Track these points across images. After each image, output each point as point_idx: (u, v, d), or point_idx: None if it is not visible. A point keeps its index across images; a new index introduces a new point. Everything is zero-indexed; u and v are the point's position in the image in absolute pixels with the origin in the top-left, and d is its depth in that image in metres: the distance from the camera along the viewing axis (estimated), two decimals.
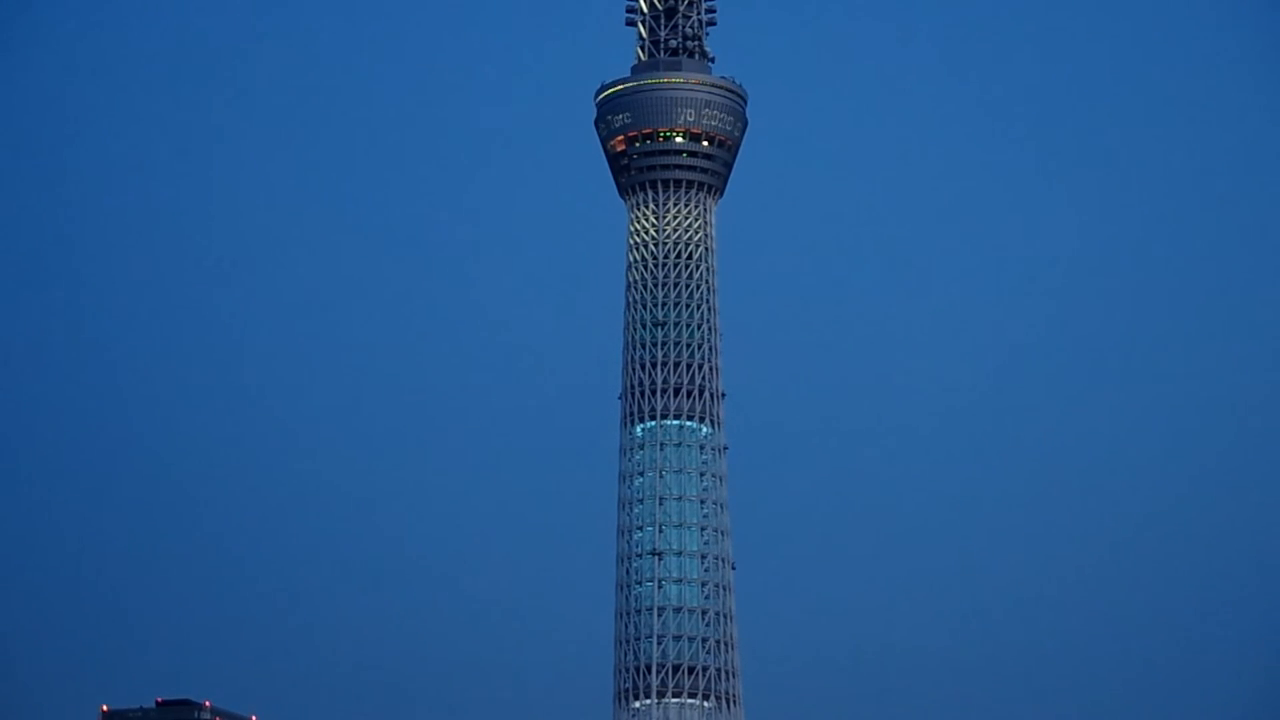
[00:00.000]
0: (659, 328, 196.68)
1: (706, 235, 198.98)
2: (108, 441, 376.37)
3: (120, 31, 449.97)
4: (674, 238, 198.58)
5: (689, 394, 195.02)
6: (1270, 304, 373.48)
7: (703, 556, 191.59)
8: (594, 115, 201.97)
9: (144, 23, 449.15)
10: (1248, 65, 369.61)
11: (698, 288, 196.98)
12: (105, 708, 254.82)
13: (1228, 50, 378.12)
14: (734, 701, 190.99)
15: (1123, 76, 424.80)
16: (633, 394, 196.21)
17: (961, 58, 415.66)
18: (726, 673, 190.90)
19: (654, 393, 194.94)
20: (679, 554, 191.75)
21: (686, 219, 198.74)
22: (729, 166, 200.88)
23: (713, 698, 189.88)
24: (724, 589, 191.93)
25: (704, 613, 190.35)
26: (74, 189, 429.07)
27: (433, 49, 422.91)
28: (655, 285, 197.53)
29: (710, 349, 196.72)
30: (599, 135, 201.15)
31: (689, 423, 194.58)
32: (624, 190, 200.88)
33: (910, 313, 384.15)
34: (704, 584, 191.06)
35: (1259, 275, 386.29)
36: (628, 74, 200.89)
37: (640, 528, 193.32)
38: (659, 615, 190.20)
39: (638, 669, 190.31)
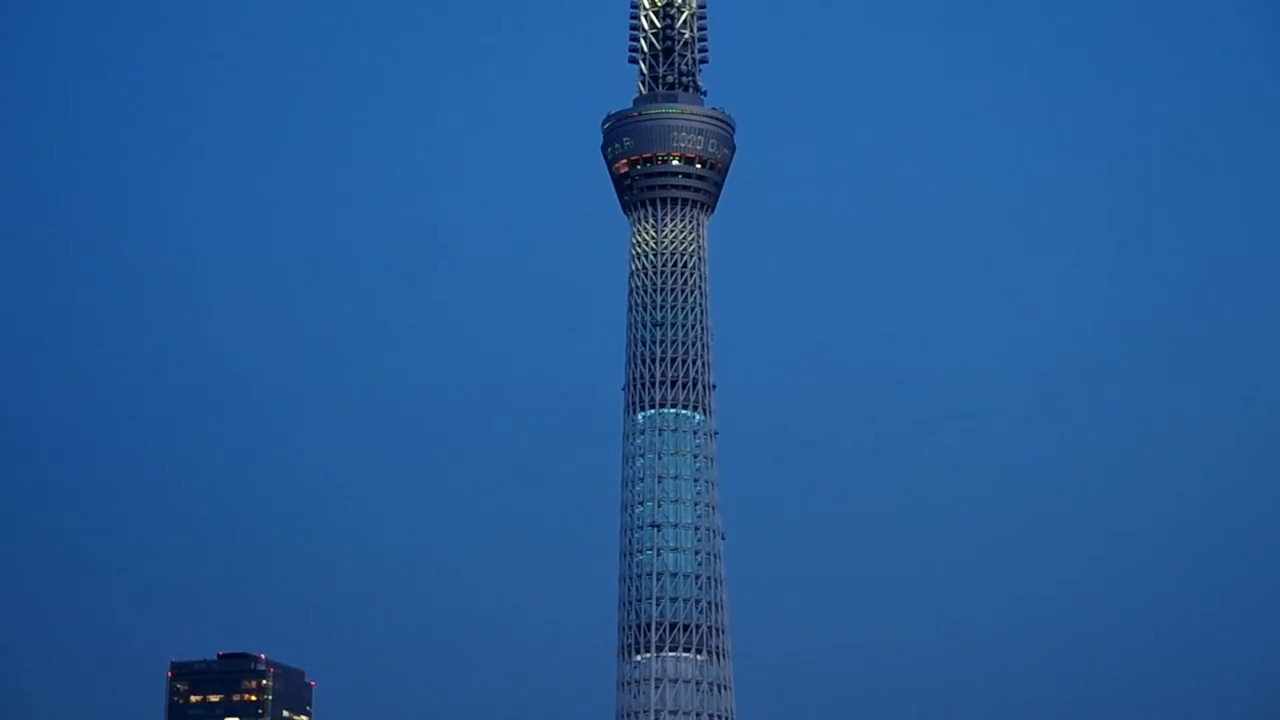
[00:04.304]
0: (657, 328, 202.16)
1: (699, 246, 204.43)
2: (186, 424, 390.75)
3: (114, 35, 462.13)
4: (671, 249, 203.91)
5: (684, 386, 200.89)
6: None
7: (696, 528, 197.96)
8: (601, 141, 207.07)
9: (142, 28, 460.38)
10: None
11: (691, 293, 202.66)
12: (174, 660, 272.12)
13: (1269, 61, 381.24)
14: (723, 655, 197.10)
15: (1120, 76, 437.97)
16: (635, 386, 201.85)
17: (931, 91, 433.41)
18: (716, 630, 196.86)
19: (653, 384, 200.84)
20: (675, 526, 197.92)
21: (682, 232, 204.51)
22: (719, 186, 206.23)
23: (705, 652, 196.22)
24: (714, 557, 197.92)
25: (697, 578, 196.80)
26: (72, 190, 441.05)
27: (454, 85, 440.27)
28: (654, 290, 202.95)
29: (702, 346, 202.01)
30: (605, 159, 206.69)
31: (684, 411, 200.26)
32: (627, 207, 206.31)
33: (879, 312, 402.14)
34: (697, 552, 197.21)
35: None
36: (631, 105, 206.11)
37: (641, 503, 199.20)
38: (657, 580, 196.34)
39: (639, 627, 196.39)
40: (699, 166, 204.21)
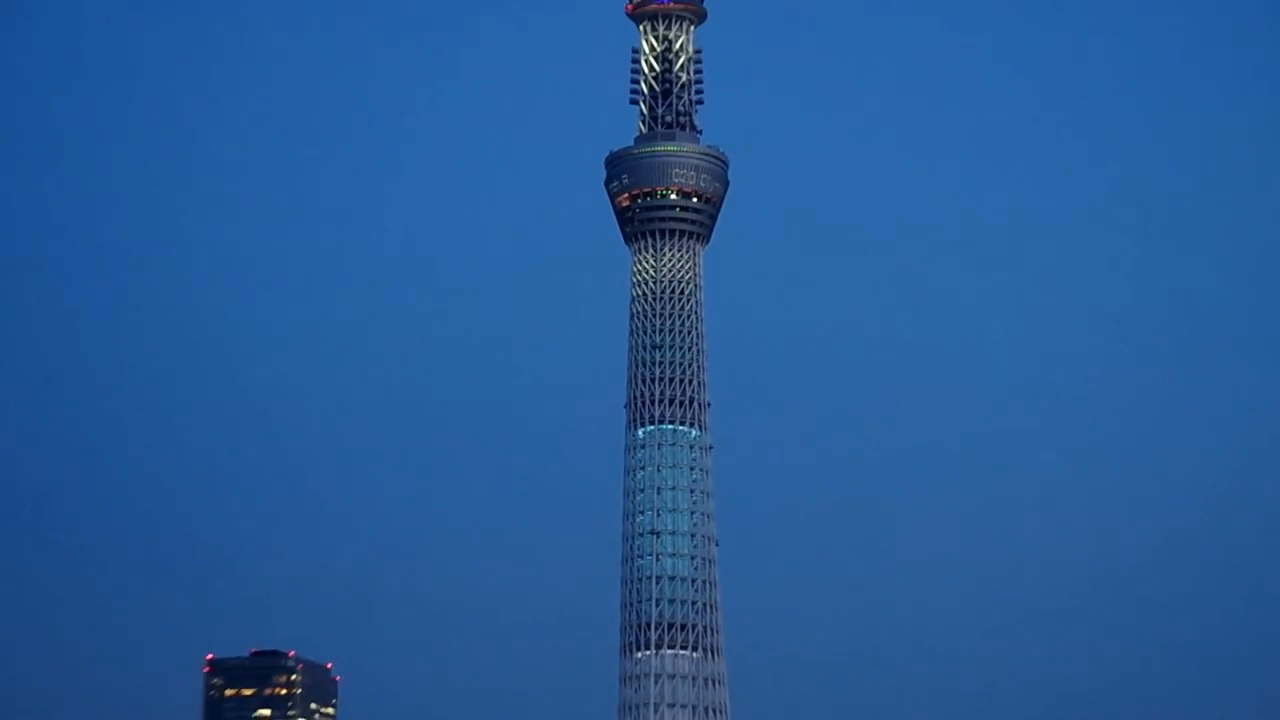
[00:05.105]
0: (657, 350, 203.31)
1: (695, 275, 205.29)
2: (223, 421, 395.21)
3: (108, 35, 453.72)
4: (669, 277, 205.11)
5: (681, 403, 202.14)
6: None
7: (692, 535, 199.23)
8: (604, 176, 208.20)
9: (140, 30, 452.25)
10: None
11: (688, 317, 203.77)
12: (210, 656, 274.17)
13: None
14: (717, 652, 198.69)
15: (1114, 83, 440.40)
16: (636, 403, 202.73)
17: (921, 122, 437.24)
18: (711, 629, 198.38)
19: (653, 402, 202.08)
20: (673, 533, 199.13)
21: (679, 262, 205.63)
22: (714, 219, 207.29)
23: (700, 649, 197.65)
24: (709, 562, 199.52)
25: (693, 581, 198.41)
26: (70, 191, 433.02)
27: (464, 123, 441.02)
28: (654, 315, 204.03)
29: (698, 367, 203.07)
30: (608, 193, 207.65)
31: (681, 427, 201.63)
32: (628, 238, 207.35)
33: (865, 332, 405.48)
34: (693, 558, 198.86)
35: None
36: (631, 143, 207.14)
37: (641, 512, 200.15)
38: (657, 583, 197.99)
39: (639, 626, 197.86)
40: (695, 200, 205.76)
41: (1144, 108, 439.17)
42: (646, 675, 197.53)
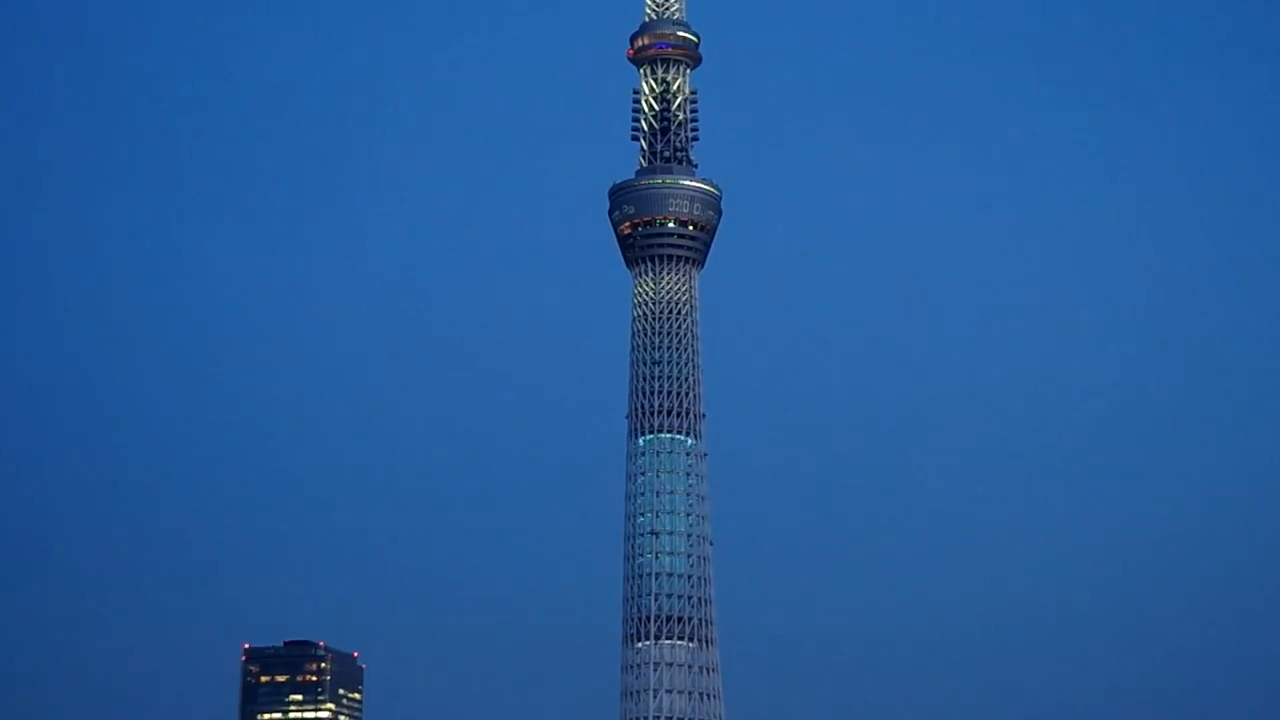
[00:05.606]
0: (656, 365, 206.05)
1: (691, 296, 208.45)
2: (257, 421, 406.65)
3: (102, 33, 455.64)
4: (667, 299, 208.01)
5: (678, 414, 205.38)
6: None
7: (688, 535, 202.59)
8: (608, 206, 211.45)
9: (133, 27, 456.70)
10: None
11: (684, 335, 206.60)
12: (246, 645, 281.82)
13: None
14: (711, 642, 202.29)
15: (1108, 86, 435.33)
16: (637, 414, 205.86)
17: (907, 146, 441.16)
18: (705, 621, 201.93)
19: (652, 413, 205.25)
20: (670, 534, 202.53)
21: (676, 285, 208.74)
22: (708, 245, 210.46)
23: (695, 640, 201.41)
24: (704, 560, 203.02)
25: (689, 577, 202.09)
26: (70, 193, 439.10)
27: (483, 161, 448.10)
28: (653, 334, 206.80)
29: (694, 381, 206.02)
30: (611, 222, 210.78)
31: (678, 436, 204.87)
32: (630, 263, 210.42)
33: (853, 347, 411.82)
34: (689, 556, 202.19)
35: None
36: (633, 176, 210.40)
37: (642, 514, 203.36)
38: (655, 579, 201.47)
39: (639, 619, 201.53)
40: (691, 228, 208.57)
41: (1146, 109, 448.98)
42: (646, 663, 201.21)
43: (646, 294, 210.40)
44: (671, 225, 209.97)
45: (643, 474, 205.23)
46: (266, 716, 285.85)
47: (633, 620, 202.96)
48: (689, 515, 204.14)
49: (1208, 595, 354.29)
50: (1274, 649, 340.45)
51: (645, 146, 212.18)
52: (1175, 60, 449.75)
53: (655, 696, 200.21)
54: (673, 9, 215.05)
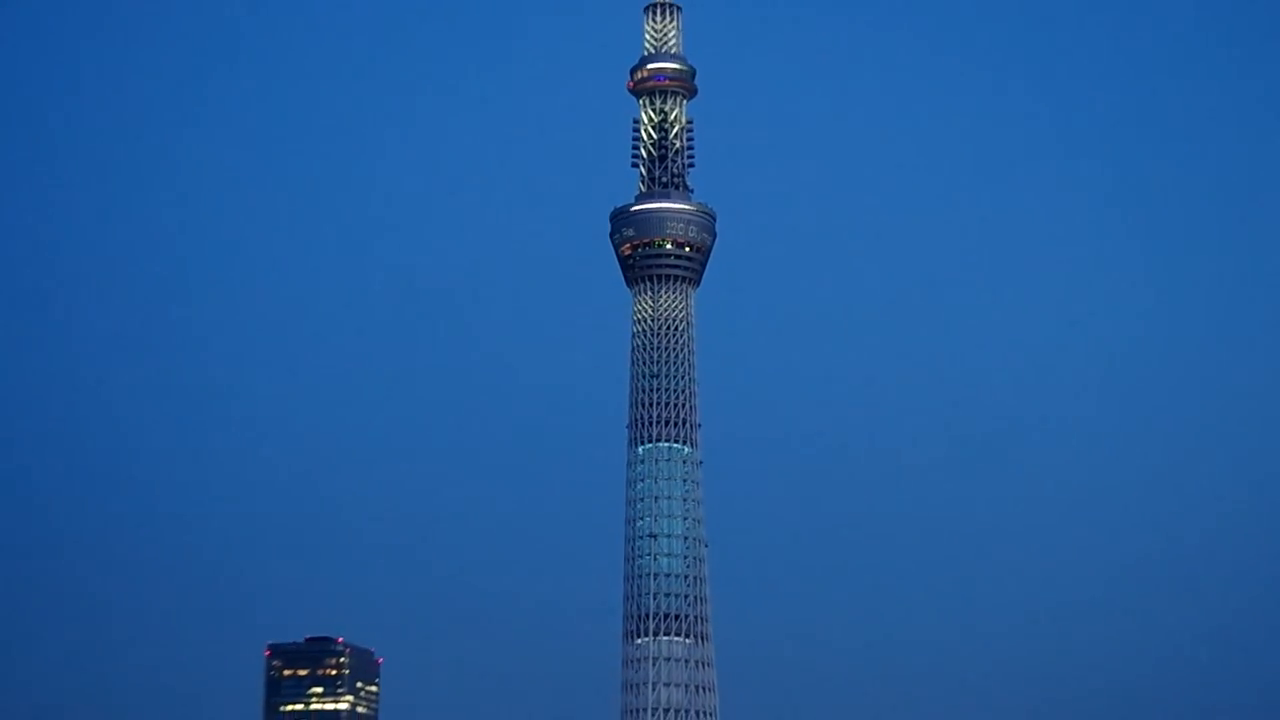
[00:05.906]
0: (654, 378, 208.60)
1: (688, 314, 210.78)
2: (280, 426, 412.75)
3: (103, 34, 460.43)
4: (665, 316, 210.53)
5: (675, 424, 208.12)
6: None
7: (685, 538, 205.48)
8: (609, 229, 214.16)
9: (138, 28, 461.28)
10: None
11: (681, 350, 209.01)
12: (270, 641, 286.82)
13: None
14: (706, 638, 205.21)
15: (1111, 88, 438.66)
16: (636, 425, 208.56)
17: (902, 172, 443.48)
18: (701, 619, 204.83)
19: (651, 424, 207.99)
20: (668, 536, 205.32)
21: (674, 303, 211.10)
22: (704, 266, 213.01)
23: (692, 636, 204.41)
24: (700, 561, 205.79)
25: (685, 577, 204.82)
26: (68, 194, 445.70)
27: (491, 187, 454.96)
28: (651, 349, 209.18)
29: (690, 393, 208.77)
30: (612, 243, 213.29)
31: (675, 444, 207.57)
32: (630, 283, 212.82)
33: (843, 359, 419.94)
34: (685, 557, 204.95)
35: None
36: (633, 200, 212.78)
37: (641, 517, 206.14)
38: (654, 579, 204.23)
39: (639, 616, 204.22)
40: (687, 250, 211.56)
41: (1147, 112, 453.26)
42: (645, 658, 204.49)
43: (645, 311, 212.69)
44: (669, 247, 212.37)
45: (642, 480, 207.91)
46: (289, 708, 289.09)
47: (633, 618, 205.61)
48: (685, 519, 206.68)
49: (1208, 595, 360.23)
50: (1274, 649, 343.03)
51: (644, 172, 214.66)
52: (1176, 60, 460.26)
53: (654, 689, 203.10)
54: (670, 44, 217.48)
